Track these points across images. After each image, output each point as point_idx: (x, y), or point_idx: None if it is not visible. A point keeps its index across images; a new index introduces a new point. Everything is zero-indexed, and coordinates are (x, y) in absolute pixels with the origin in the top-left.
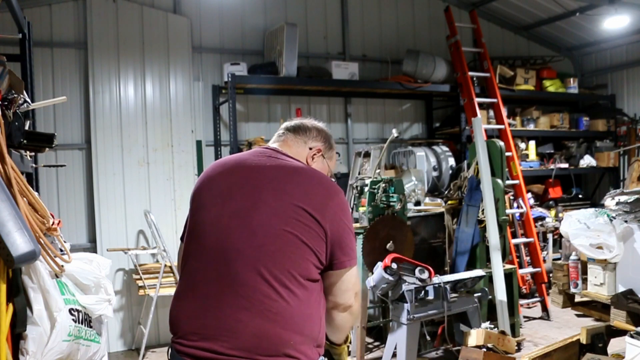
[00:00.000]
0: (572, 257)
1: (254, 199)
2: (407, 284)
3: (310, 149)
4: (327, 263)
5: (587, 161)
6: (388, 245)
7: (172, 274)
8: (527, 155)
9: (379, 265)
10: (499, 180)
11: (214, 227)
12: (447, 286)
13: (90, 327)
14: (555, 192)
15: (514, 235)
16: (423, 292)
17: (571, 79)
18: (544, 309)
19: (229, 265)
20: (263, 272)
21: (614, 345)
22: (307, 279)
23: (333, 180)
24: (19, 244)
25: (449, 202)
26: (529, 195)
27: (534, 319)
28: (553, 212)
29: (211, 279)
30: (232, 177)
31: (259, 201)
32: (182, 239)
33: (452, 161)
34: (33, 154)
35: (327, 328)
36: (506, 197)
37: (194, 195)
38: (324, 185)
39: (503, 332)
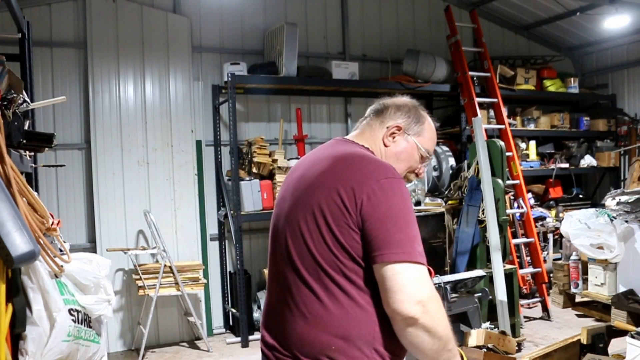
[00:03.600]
0: (573, 257)
1: (296, 197)
2: None
3: (388, 128)
4: (366, 256)
5: (587, 161)
6: None
7: (171, 274)
8: (527, 155)
9: None
10: (500, 180)
11: (275, 228)
12: (448, 286)
13: (90, 327)
14: (556, 192)
15: (515, 236)
16: None
17: (572, 79)
18: (545, 309)
19: (279, 268)
20: (303, 274)
21: (615, 345)
22: (350, 277)
23: (426, 163)
24: (19, 244)
25: (449, 202)
26: (530, 195)
27: (535, 319)
28: (553, 212)
29: (274, 279)
30: (291, 176)
31: (303, 198)
32: None
33: (452, 161)
34: (32, 153)
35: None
36: (506, 197)
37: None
38: (364, 168)
39: (503, 332)
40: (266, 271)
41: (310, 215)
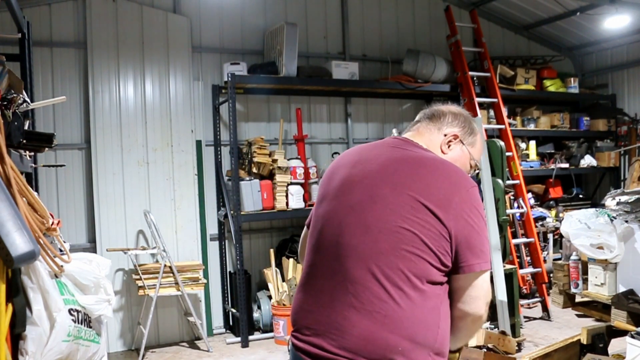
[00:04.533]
0: (573, 257)
1: (372, 193)
2: None
3: (445, 135)
4: (452, 266)
5: (587, 161)
6: None
7: (171, 274)
8: (527, 155)
9: None
10: (500, 180)
11: (331, 221)
12: None
13: (90, 327)
14: (556, 192)
15: (515, 235)
16: None
17: (572, 79)
18: (545, 309)
19: (341, 262)
20: (375, 271)
21: (615, 345)
22: (426, 281)
23: (474, 171)
24: (19, 244)
25: None
26: (530, 195)
27: (535, 319)
28: (553, 212)
29: (325, 274)
30: (353, 169)
31: (376, 196)
32: (307, 225)
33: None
34: (32, 153)
35: (454, 336)
36: (506, 197)
37: (320, 187)
38: (451, 178)
39: (503, 333)
40: (266, 271)
41: (394, 216)
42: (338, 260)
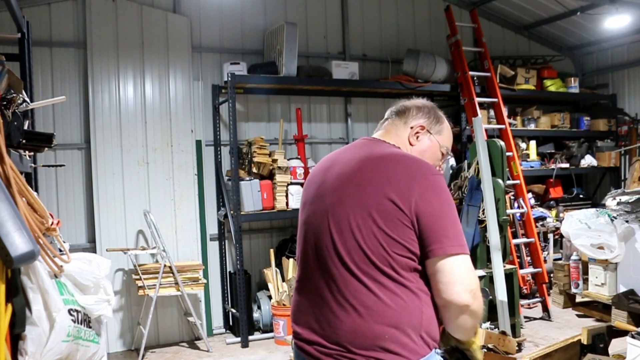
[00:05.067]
0: (573, 257)
1: (340, 194)
2: None
3: (412, 128)
4: (421, 251)
5: (588, 161)
6: None
7: (171, 274)
8: (527, 155)
9: None
10: (500, 180)
11: (311, 226)
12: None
13: (90, 327)
14: (556, 192)
15: (515, 236)
16: None
17: (572, 79)
18: (545, 309)
19: (323, 262)
20: (352, 268)
21: (615, 345)
22: (402, 270)
23: (445, 158)
24: (18, 244)
25: None
26: (530, 195)
27: (535, 319)
28: (554, 212)
29: (313, 276)
30: (326, 174)
31: (344, 196)
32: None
33: (452, 161)
34: (32, 153)
35: (447, 327)
36: (507, 197)
37: (302, 193)
38: (411, 168)
39: (503, 333)
40: (266, 271)
41: (360, 213)
42: (320, 262)
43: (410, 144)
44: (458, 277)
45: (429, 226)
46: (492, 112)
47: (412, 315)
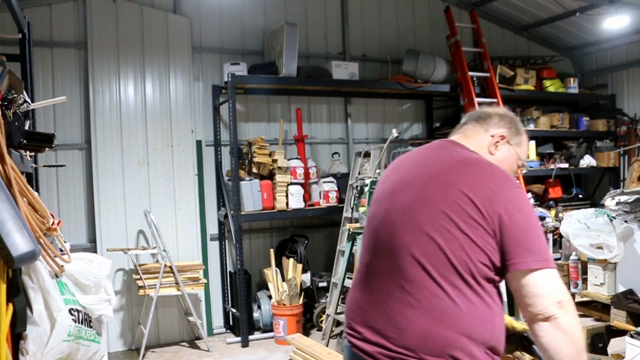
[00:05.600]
0: (572, 257)
1: (421, 193)
2: None
3: (492, 136)
4: (502, 264)
5: (587, 161)
6: None
7: (172, 274)
8: (527, 155)
9: None
10: None
11: (384, 222)
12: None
13: (90, 327)
14: (555, 192)
15: None
16: None
17: (571, 79)
18: None
19: (396, 261)
20: (430, 270)
21: (614, 345)
22: (480, 278)
23: (523, 170)
24: (19, 244)
25: None
26: (529, 195)
27: None
28: (553, 212)
29: (381, 274)
30: (405, 172)
31: (426, 196)
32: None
33: None
34: (33, 154)
35: (539, 347)
36: None
37: (375, 190)
38: (496, 177)
39: None
40: (267, 271)
41: (443, 215)
42: (393, 260)
43: (490, 153)
44: (543, 290)
45: (513, 239)
46: None
47: (485, 327)
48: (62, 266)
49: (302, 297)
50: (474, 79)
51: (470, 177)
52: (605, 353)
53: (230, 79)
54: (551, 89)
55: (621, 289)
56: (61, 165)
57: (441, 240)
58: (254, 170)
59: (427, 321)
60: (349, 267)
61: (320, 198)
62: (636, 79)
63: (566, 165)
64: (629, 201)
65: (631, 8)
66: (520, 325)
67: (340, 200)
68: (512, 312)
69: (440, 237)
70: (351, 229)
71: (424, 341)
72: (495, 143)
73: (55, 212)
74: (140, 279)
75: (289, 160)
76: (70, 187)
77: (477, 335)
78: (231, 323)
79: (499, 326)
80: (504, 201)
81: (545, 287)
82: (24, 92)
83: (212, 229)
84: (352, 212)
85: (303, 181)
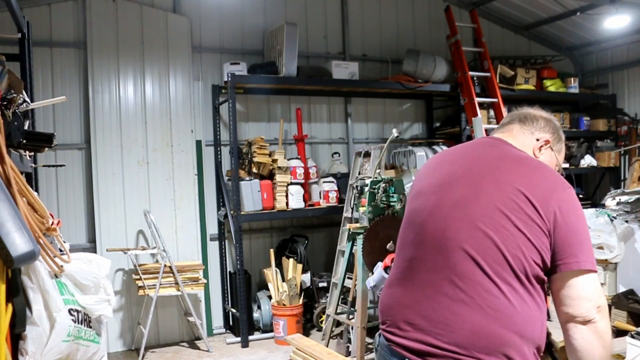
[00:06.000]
0: None
1: (475, 189)
2: None
3: (538, 140)
4: (551, 264)
5: (587, 161)
6: (388, 245)
7: (171, 274)
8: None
9: (379, 265)
10: None
11: (434, 216)
12: None
13: (90, 327)
14: None
15: None
16: None
17: (572, 79)
18: None
19: (448, 256)
20: (484, 266)
21: (615, 345)
22: (532, 277)
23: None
24: (19, 244)
25: None
26: None
27: None
28: None
29: (429, 269)
30: (452, 166)
31: (480, 191)
32: None
33: None
34: (32, 153)
35: (568, 349)
36: None
37: (414, 184)
38: (551, 177)
39: None
40: (266, 271)
41: (498, 212)
42: (443, 254)
43: (534, 155)
44: (588, 294)
45: (567, 239)
46: (492, 112)
47: (535, 326)
48: (62, 266)
49: (302, 297)
50: (474, 78)
51: (525, 175)
52: None
53: (230, 79)
54: (552, 88)
55: (622, 289)
56: (61, 165)
57: (497, 237)
58: (254, 170)
59: (480, 318)
60: (349, 267)
61: (320, 198)
62: (637, 79)
63: (567, 165)
64: (629, 201)
65: (631, 8)
66: (559, 344)
67: (340, 200)
68: None
69: (495, 234)
70: (351, 229)
71: (477, 338)
72: (540, 147)
73: (54, 212)
74: (140, 279)
75: (289, 160)
76: (70, 187)
77: (528, 335)
78: (231, 323)
79: (544, 326)
80: (559, 201)
81: (590, 290)
82: (24, 92)
83: (212, 229)
84: (352, 212)
85: (303, 181)
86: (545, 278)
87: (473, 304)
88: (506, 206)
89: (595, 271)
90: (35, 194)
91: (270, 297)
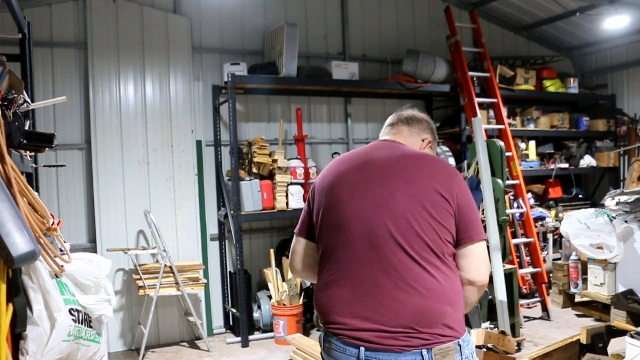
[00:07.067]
0: (572, 257)
1: (391, 188)
2: None
3: (423, 140)
4: (457, 238)
5: (587, 161)
6: None
7: (172, 274)
8: (527, 155)
9: None
10: (499, 180)
11: (359, 218)
12: None
13: (90, 327)
14: (556, 192)
15: (514, 235)
16: None
17: (571, 79)
18: (544, 309)
19: (378, 251)
20: (411, 254)
21: (614, 345)
22: (447, 254)
23: None
24: (19, 244)
25: None
26: (529, 195)
27: (534, 319)
28: (553, 212)
29: (364, 266)
30: (365, 171)
31: (396, 190)
32: (298, 233)
33: (452, 161)
34: (33, 154)
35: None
36: (506, 197)
37: (325, 191)
38: (447, 168)
39: (503, 332)
40: (267, 271)
41: (414, 204)
42: (374, 251)
43: None
44: (484, 259)
45: (467, 216)
46: (491, 113)
47: (460, 295)
48: (62, 266)
49: (302, 297)
50: (474, 79)
51: (429, 169)
52: (605, 353)
53: (230, 79)
54: (551, 89)
55: (621, 289)
56: (61, 165)
57: (417, 227)
58: (254, 170)
59: (418, 299)
60: None
61: None
62: (636, 79)
63: (566, 165)
64: (629, 201)
65: (631, 8)
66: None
67: None
68: (512, 312)
69: (415, 225)
70: None
71: (419, 317)
72: (424, 147)
73: (55, 212)
74: (140, 279)
75: (289, 160)
76: (70, 187)
77: (456, 303)
78: (231, 323)
79: (463, 293)
80: (457, 186)
81: (485, 256)
82: (24, 92)
83: (212, 229)
84: None
85: (303, 181)
86: (454, 251)
87: (409, 288)
88: (419, 198)
89: (485, 238)
90: (35, 194)
91: (270, 297)
